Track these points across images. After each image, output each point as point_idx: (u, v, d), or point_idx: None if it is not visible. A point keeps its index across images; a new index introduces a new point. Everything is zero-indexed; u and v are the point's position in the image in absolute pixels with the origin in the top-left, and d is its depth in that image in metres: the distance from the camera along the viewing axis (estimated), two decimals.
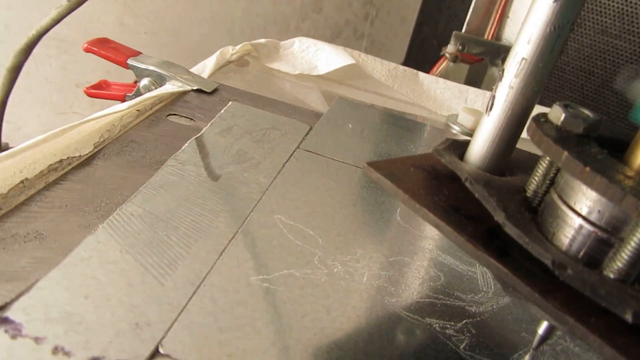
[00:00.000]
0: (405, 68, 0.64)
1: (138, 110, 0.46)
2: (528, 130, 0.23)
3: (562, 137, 0.22)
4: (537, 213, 0.24)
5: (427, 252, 0.35)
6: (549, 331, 0.27)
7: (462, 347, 0.28)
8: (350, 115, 0.51)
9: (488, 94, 0.64)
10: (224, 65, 0.61)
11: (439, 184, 0.26)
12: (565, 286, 0.21)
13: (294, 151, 0.42)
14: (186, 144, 0.40)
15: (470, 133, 0.58)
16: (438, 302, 0.31)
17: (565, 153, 0.21)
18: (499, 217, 0.23)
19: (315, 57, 0.64)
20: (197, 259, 0.29)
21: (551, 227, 0.23)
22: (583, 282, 0.20)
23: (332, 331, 0.27)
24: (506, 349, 0.28)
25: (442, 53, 0.70)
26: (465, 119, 0.60)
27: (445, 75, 0.69)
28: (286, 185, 0.38)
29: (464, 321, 0.30)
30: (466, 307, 0.31)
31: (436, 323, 0.29)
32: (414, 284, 0.31)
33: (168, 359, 0.23)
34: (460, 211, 0.24)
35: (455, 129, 0.59)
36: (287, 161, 0.41)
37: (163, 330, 0.24)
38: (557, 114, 0.23)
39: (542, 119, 0.23)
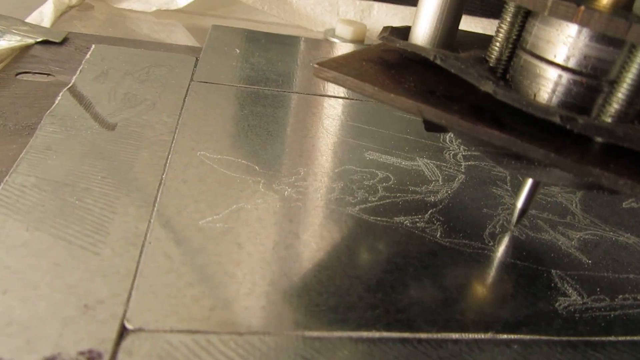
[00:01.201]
0: None
1: None
2: None
3: None
4: (506, 80, 0.23)
5: (367, 156, 0.33)
6: (528, 202, 0.27)
7: (438, 236, 0.27)
8: (232, 41, 0.46)
9: (358, 2, 0.62)
10: (65, 11, 0.51)
11: (398, 72, 0.24)
12: (571, 143, 0.20)
13: (189, 85, 0.37)
14: (59, 97, 0.33)
15: (352, 43, 0.56)
16: (398, 200, 0.29)
17: None
18: (487, 86, 0.21)
19: None
20: (128, 217, 0.24)
21: (530, 89, 0.22)
22: (597, 128, 0.19)
23: (310, 254, 0.24)
24: (476, 227, 0.28)
25: None
26: (344, 31, 0.58)
27: None
28: (196, 120, 0.33)
29: (430, 212, 0.28)
30: (425, 198, 0.30)
31: (405, 220, 0.27)
32: (369, 189, 0.29)
33: (142, 334, 0.19)
34: (435, 94, 0.22)
35: (336, 42, 0.57)
36: (186, 96, 0.35)
37: (122, 303, 0.19)
38: None
39: None
